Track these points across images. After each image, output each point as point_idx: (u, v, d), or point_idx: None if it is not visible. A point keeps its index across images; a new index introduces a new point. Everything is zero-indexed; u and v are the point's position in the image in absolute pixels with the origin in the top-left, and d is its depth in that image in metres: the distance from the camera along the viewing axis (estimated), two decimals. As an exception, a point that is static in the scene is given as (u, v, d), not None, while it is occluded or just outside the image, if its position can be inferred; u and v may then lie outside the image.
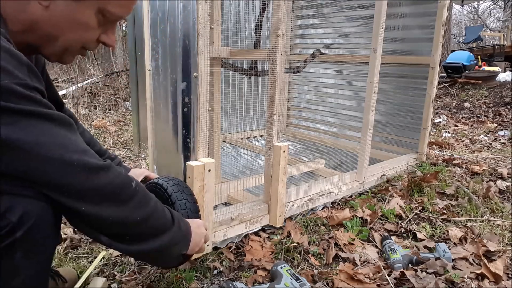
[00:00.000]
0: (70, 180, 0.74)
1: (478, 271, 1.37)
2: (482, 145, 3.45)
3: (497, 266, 1.38)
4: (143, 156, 2.87)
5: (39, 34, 0.81)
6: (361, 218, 1.84)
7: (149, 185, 1.22)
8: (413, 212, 1.93)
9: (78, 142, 0.77)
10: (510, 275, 1.39)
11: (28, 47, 0.82)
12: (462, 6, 16.37)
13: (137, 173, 1.29)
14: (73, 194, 0.75)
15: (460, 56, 8.25)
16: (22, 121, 0.68)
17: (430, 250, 1.58)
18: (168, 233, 0.90)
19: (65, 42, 0.84)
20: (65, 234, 1.59)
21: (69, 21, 0.81)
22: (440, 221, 1.85)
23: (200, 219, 1.18)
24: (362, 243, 1.63)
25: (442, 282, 1.31)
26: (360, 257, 1.52)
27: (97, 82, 5.52)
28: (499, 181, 2.34)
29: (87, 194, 0.76)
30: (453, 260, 1.46)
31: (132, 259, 1.44)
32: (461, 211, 1.95)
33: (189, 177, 1.31)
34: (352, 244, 1.62)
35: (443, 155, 2.99)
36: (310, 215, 1.87)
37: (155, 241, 0.87)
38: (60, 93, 4.53)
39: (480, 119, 4.77)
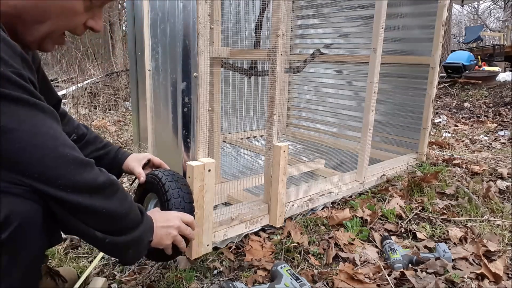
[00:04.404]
0: (63, 172, 0.74)
1: (478, 271, 1.37)
2: (482, 145, 3.45)
3: (497, 266, 1.38)
4: (143, 156, 2.86)
5: (24, 19, 0.79)
6: (361, 218, 1.84)
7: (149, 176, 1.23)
8: (413, 212, 1.92)
9: (67, 137, 0.78)
10: (510, 275, 1.39)
11: (10, 32, 0.78)
12: (462, 6, 16.38)
13: (140, 157, 1.29)
14: (68, 186, 0.74)
15: (460, 56, 8.26)
16: (20, 110, 0.68)
17: (430, 250, 1.58)
18: (141, 224, 0.92)
19: (50, 27, 0.81)
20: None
21: (56, 6, 0.80)
22: (440, 221, 1.85)
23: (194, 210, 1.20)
24: (362, 243, 1.63)
25: (442, 282, 1.31)
26: (360, 257, 1.52)
27: (97, 82, 5.52)
28: (499, 181, 2.34)
29: (80, 187, 0.76)
30: (453, 260, 1.46)
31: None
32: (461, 211, 1.95)
33: (189, 177, 1.31)
34: (352, 244, 1.62)
35: (443, 155, 2.98)
36: (310, 215, 1.87)
37: (135, 231, 0.89)
38: (60, 93, 4.53)
39: (480, 119, 4.76)
